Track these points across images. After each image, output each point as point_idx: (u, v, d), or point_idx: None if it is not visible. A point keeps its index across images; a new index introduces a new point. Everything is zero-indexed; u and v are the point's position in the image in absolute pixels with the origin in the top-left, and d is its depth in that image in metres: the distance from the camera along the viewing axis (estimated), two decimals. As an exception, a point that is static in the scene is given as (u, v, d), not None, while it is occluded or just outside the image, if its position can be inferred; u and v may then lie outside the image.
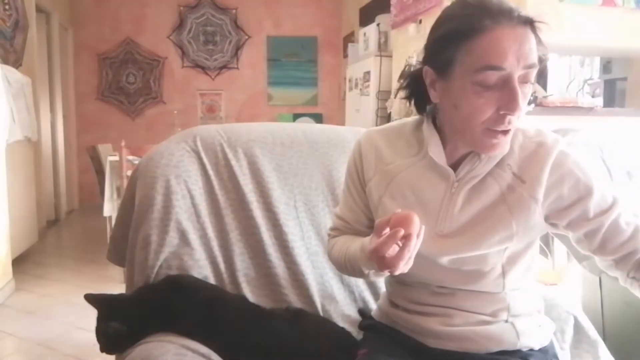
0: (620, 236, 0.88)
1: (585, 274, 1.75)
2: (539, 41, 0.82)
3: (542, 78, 5.53)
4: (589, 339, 1.18)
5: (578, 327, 1.20)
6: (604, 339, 1.20)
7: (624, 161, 1.92)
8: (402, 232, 0.77)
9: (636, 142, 2.03)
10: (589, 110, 3.09)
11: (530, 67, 0.81)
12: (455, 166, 0.92)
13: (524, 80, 0.81)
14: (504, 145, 0.86)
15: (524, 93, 0.82)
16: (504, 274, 0.93)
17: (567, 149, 0.91)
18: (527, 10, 0.82)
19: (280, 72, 6.54)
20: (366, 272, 0.91)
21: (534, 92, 3.12)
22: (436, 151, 0.91)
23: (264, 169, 1.31)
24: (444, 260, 0.92)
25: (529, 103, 3.00)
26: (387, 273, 0.83)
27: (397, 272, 0.80)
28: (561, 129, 1.98)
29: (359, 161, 1.02)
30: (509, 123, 0.82)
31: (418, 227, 0.79)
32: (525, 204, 0.88)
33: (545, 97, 3.20)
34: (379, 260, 0.80)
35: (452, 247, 0.91)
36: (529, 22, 0.81)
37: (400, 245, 0.78)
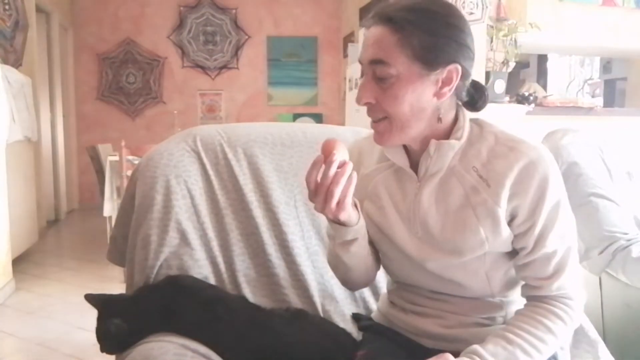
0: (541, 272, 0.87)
1: (585, 274, 1.75)
2: (408, 40, 0.82)
3: (542, 78, 5.54)
4: (589, 339, 1.18)
5: (578, 327, 1.20)
6: (604, 339, 1.20)
7: (624, 161, 1.92)
8: (321, 157, 0.81)
9: (636, 142, 2.03)
10: (589, 110, 3.09)
11: (371, 62, 0.84)
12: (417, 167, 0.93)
13: (375, 75, 0.84)
14: (381, 136, 0.89)
15: (382, 88, 0.84)
16: (488, 280, 0.92)
17: (542, 160, 0.85)
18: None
19: (280, 72, 6.53)
20: (332, 242, 0.94)
21: (534, 92, 3.12)
22: (392, 151, 0.93)
23: (264, 169, 1.31)
24: (429, 266, 0.93)
25: (529, 103, 3.00)
26: (336, 221, 0.87)
27: (327, 211, 0.82)
28: (561, 129, 1.98)
29: None
30: (369, 111, 0.88)
31: (339, 153, 0.81)
32: (490, 210, 0.85)
33: (545, 97, 3.20)
34: (310, 195, 0.84)
35: (431, 253, 0.91)
36: (385, 20, 0.83)
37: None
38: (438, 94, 0.86)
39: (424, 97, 0.85)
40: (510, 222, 0.87)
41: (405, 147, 0.94)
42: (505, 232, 0.86)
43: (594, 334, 1.19)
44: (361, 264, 0.99)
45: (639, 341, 1.62)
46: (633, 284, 1.61)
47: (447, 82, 0.85)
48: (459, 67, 0.84)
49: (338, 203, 0.82)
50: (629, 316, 1.65)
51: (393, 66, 0.82)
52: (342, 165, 0.81)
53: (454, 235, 0.88)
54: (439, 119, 0.88)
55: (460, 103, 0.92)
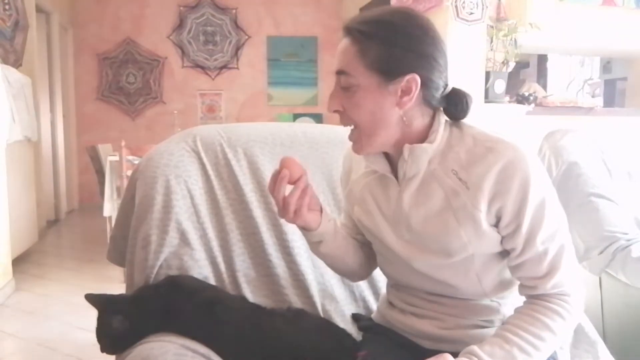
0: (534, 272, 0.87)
1: (585, 274, 1.75)
2: (366, 51, 0.85)
3: (542, 78, 5.54)
4: (589, 339, 1.18)
5: (578, 328, 1.20)
6: (604, 339, 1.20)
7: (624, 161, 1.92)
8: (275, 172, 0.92)
9: (636, 142, 2.03)
10: (589, 110, 3.09)
11: (337, 72, 0.90)
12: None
13: (342, 85, 0.89)
14: (355, 145, 0.93)
15: (347, 97, 0.89)
16: (479, 281, 0.92)
17: (521, 160, 0.84)
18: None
19: (280, 72, 6.53)
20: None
21: (534, 92, 3.12)
22: (373, 158, 0.96)
23: (264, 169, 1.31)
24: (416, 266, 0.94)
25: (529, 103, 3.00)
26: (296, 225, 0.98)
27: (286, 217, 0.94)
28: (561, 129, 1.98)
29: (342, 174, 1.11)
30: (340, 119, 0.93)
31: (291, 169, 0.91)
32: (469, 213, 0.85)
33: (545, 97, 3.20)
34: (275, 203, 0.95)
35: (418, 254, 0.92)
36: (347, 33, 0.89)
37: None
38: (399, 104, 0.87)
39: (385, 106, 0.87)
40: (497, 224, 0.86)
41: (386, 153, 0.95)
42: (489, 234, 0.86)
43: (594, 334, 1.19)
44: (339, 262, 1.07)
45: (639, 341, 1.62)
46: (633, 284, 1.61)
47: (406, 91, 0.86)
48: (417, 77, 0.85)
49: (295, 212, 0.93)
50: (629, 316, 1.65)
51: (353, 76, 0.87)
52: (297, 180, 0.92)
53: (437, 237, 0.89)
54: (404, 125, 0.89)
55: (439, 108, 0.92)
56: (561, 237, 0.86)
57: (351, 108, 0.89)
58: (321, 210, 0.99)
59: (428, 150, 0.88)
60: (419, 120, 0.90)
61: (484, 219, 0.85)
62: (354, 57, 0.86)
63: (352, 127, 0.92)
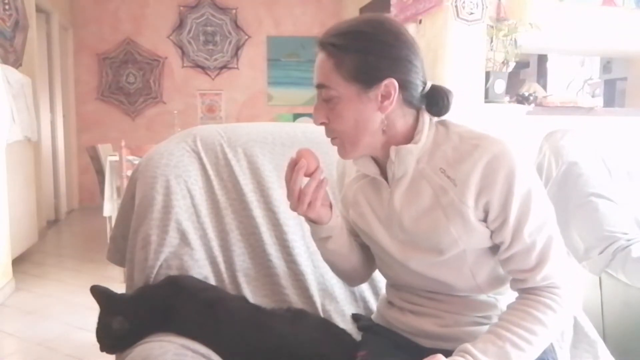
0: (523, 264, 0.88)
1: (585, 274, 1.75)
2: (342, 63, 0.87)
3: (542, 78, 5.54)
4: (589, 339, 1.18)
5: (578, 327, 1.20)
6: (604, 339, 1.20)
7: (624, 161, 1.92)
8: (291, 161, 0.92)
9: (636, 142, 2.03)
10: (589, 110, 3.09)
11: (317, 86, 0.90)
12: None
13: (323, 98, 0.90)
14: (339, 152, 0.95)
15: (330, 109, 0.90)
16: (473, 276, 0.93)
17: (506, 154, 0.85)
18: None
19: (280, 72, 6.53)
20: (313, 240, 1.04)
21: (534, 92, 3.12)
22: (361, 162, 0.97)
23: (264, 168, 1.31)
24: (412, 265, 0.95)
25: (529, 103, 3.00)
26: (308, 219, 0.97)
27: (299, 209, 0.93)
28: (561, 129, 1.98)
29: (336, 178, 1.13)
30: (326, 131, 0.94)
31: (308, 160, 0.92)
32: (457, 209, 0.87)
33: (545, 97, 3.20)
34: (287, 195, 0.94)
35: (412, 253, 0.93)
36: (322, 47, 0.90)
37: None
38: (381, 108, 0.89)
39: (368, 113, 0.89)
40: (485, 219, 0.88)
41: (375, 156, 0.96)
42: (479, 229, 0.87)
43: (593, 334, 1.20)
44: (344, 261, 1.06)
45: (639, 341, 1.62)
46: (633, 283, 1.61)
47: (386, 96, 0.88)
48: (395, 81, 0.87)
49: (309, 204, 0.92)
50: (629, 316, 1.65)
51: (333, 89, 0.88)
52: (314, 171, 0.92)
53: (428, 235, 0.90)
54: (383, 131, 0.91)
55: (423, 107, 0.93)
56: (549, 230, 0.87)
57: (335, 119, 0.90)
58: (330, 205, 0.99)
59: (413, 150, 0.90)
60: (402, 122, 0.91)
61: (472, 214, 0.86)
62: (331, 70, 0.88)
63: (333, 137, 0.93)
